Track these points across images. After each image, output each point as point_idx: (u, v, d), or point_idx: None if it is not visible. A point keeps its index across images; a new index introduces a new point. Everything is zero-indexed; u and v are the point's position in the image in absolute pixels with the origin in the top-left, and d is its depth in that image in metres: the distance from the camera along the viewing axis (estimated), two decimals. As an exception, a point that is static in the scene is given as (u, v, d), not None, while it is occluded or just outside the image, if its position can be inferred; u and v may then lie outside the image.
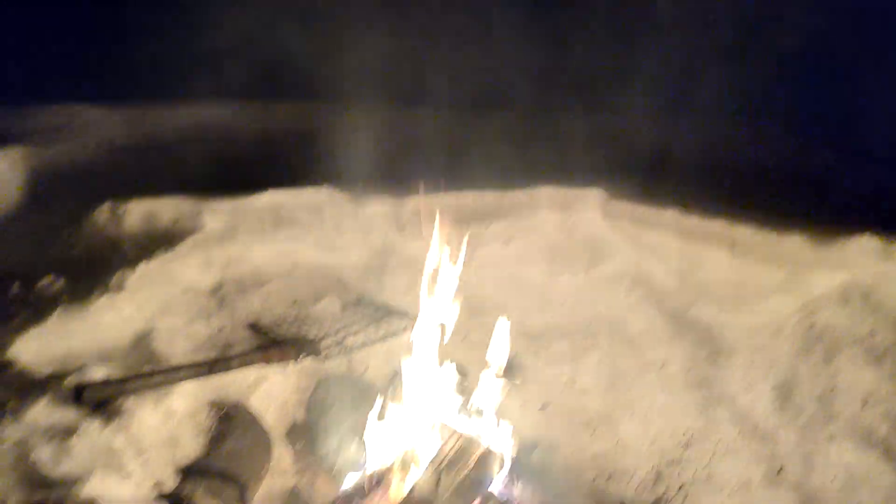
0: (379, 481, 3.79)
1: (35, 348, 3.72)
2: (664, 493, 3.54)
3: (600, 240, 4.83)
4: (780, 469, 3.17)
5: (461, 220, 5.14)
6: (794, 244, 3.85)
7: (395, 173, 5.57)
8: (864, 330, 3.31)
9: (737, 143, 7.55)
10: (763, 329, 3.87)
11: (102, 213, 4.72)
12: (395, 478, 3.69)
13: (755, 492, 3.14)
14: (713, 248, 4.14)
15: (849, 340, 3.34)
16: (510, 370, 4.84)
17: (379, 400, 3.92)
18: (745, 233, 3.97)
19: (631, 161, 5.99)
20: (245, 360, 4.02)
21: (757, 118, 8.51)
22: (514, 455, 3.56)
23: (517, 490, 3.33)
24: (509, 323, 5.10)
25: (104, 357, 3.76)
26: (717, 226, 4.06)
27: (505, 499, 3.31)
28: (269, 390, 4.41)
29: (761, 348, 3.77)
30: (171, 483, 3.15)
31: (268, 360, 4.06)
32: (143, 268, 4.36)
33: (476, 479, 3.16)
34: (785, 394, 3.42)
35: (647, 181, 5.29)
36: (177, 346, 4.05)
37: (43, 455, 3.00)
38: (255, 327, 4.38)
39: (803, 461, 3.08)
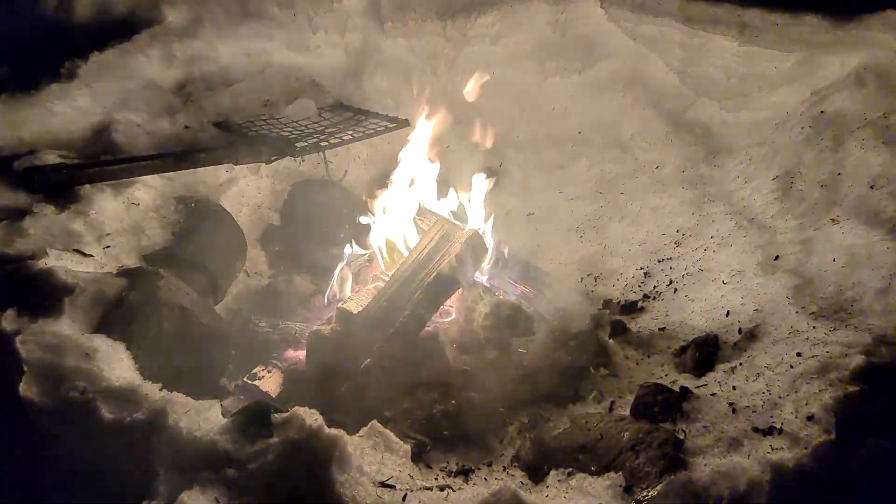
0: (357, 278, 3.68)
1: (-22, 135, 3.42)
2: (654, 289, 3.44)
3: (596, 35, 4.44)
4: (777, 256, 3.04)
5: (447, 11, 4.69)
6: (809, 25, 3.51)
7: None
8: (877, 113, 3.08)
9: None
10: (767, 123, 3.63)
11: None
12: (374, 270, 3.57)
13: (749, 279, 3.04)
14: (719, 35, 3.79)
15: (860, 124, 3.11)
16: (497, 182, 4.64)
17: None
18: (756, 15, 3.60)
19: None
20: (214, 156, 3.75)
21: None
22: (498, 248, 3.42)
23: (498, 279, 3.22)
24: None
25: (58, 146, 3.47)
26: (726, 9, 3.68)
27: (488, 286, 3.20)
28: (242, 191, 4.19)
29: (763, 143, 3.55)
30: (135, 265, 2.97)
31: (238, 159, 3.79)
32: (97, 58, 3.97)
33: (458, 267, 3.00)
34: (786, 184, 3.24)
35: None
36: (139, 141, 3.75)
37: (-7, 232, 2.78)
38: (224, 126, 4.07)
39: (802, 246, 2.95)
